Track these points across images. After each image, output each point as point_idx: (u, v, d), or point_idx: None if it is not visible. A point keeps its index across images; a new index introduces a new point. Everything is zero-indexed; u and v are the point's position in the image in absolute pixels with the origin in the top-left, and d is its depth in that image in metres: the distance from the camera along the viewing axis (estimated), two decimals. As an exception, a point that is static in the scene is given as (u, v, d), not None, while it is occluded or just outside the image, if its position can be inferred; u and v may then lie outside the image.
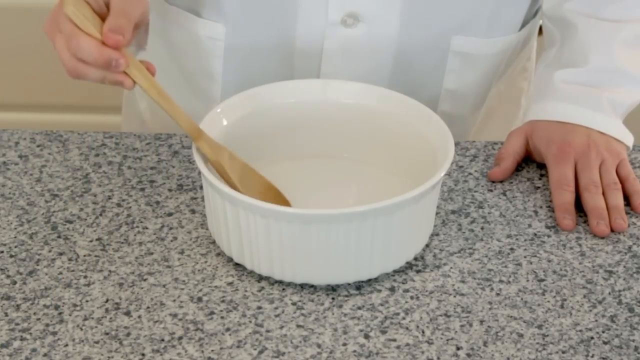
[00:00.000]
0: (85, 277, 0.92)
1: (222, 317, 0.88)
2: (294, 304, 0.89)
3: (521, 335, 0.87)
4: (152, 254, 0.94)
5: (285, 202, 0.96)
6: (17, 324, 0.87)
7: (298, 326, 0.87)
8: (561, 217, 0.99)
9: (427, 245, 0.96)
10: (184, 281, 0.91)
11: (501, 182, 1.04)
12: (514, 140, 1.07)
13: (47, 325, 0.87)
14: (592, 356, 0.86)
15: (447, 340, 0.87)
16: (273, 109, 1.00)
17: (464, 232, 0.98)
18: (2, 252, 0.94)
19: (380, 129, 1.00)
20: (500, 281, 0.93)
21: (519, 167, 1.07)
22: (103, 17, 0.87)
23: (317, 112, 1.01)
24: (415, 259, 0.94)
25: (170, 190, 1.02)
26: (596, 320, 0.89)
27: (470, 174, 1.05)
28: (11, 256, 0.94)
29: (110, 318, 0.88)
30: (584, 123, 1.05)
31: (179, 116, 0.91)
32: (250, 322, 0.87)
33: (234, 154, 0.93)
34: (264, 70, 1.13)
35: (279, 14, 1.09)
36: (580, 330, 0.88)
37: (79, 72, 0.87)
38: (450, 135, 0.94)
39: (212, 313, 0.88)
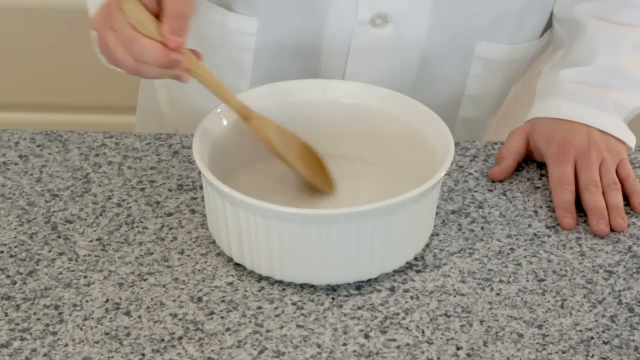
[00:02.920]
0: (85, 277, 0.92)
1: (222, 317, 0.88)
2: (294, 304, 0.89)
3: (521, 335, 0.87)
4: (152, 254, 0.94)
5: (319, 162, 0.98)
6: (17, 324, 0.87)
7: (298, 326, 0.87)
8: (562, 215, 0.99)
9: (427, 245, 0.96)
10: (184, 281, 0.91)
11: (501, 181, 1.04)
12: (514, 139, 1.07)
13: (47, 325, 0.87)
14: (592, 356, 0.86)
15: (447, 340, 0.86)
16: (273, 109, 1.00)
17: (464, 232, 0.98)
18: (2, 252, 0.94)
19: (380, 129, 1.00)
20: (500, 281, 0.93)
21: (519, 167, 1.07)
22: (153, 12, 0.88)
23: (317, 112, 1.01)
24: (415, 259, 0.94)
25: (170, 190, 1.02)
26: (596, 320, 0.89)
27: (470, 174, 1.05)
28: (11, 256, 0.94)
29: (110, 318, 0.88)
30: (587, 122, 1.05)
31: (230, 100, 0.94)
32: (250, 322, 0.87)
33: (280, 126, 0.96)
34: (291, 66, 1.13)
35: (309, 9, 1.09)
36: (580, 330, 0.88)
37: (139, 72, 0.90)
38: (450, 135, 0.94)
39: (212, 313, 0.88)
